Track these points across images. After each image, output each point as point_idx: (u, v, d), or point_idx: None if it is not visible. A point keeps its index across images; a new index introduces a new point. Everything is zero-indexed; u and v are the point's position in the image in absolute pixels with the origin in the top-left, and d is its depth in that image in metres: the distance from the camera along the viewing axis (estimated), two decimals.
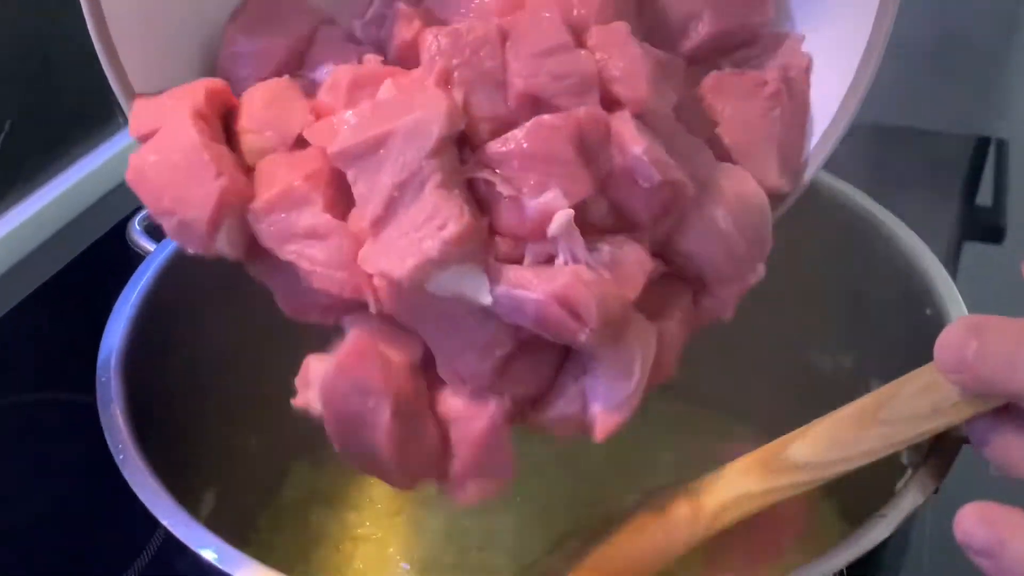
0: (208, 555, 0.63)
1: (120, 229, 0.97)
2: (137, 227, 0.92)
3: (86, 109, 1.38)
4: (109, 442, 0.72)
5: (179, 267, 0.87)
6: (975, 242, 1.29)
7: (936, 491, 0.68)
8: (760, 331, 0.94)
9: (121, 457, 0.70)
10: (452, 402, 0.58)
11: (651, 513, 0.75)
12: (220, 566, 0.62)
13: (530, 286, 0.53)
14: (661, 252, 0.60)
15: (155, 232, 0.91)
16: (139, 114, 0.61)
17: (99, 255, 1.26)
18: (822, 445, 0.70)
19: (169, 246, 0.88)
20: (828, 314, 0.95)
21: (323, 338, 0.92)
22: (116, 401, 0.75)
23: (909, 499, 0.66)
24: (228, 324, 0.92)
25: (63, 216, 1.33)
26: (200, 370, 0.90)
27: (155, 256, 0.87)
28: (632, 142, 0.55)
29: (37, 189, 1.33)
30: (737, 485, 0.73)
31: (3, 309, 1.20)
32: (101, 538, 0.99)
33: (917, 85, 1.35)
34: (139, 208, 0.95)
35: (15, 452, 1.07)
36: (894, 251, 0.89)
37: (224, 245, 0.59)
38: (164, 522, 0.66)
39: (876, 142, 1.30)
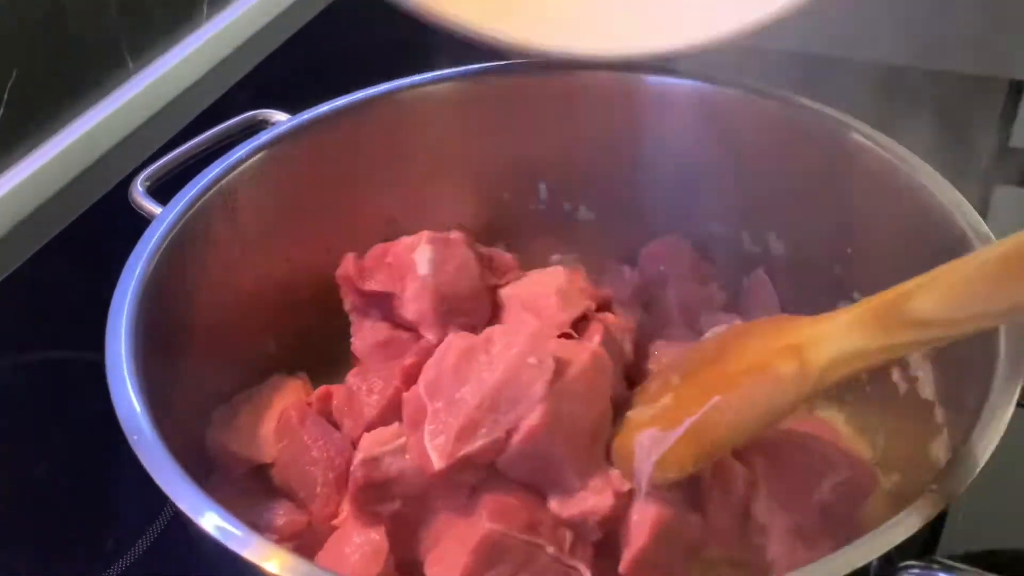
0: (212, 530, 0.63)
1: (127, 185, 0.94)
2: (139, 188, 0.88)
3: (96, 57, 1.34)
4: (119, 416, 0.71)
5: (185, 234, 0.85)
6: (1008, 186, 1.26)
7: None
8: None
9: (135, 437, 0.69)
10: None
11: (751, 372, 0.71)
12: (224, 542, 0.62)
13: None
14: None
15: (158, 193, 0.89)
16: None
17: (109, 208, 1.23)
18: (954, 298, 0.61)
19: (175, 208, 0.85)
20: (867, 263, 0.93)
21: (328, 308, 0.93)
22: (126, 375, 0.73)
23: (960, 472, 0.65)
24: (236, 292, 0.90)
25: (72, 169, 1.29)
26: (209, 336, 0.88)
27: (162, 219, 0.84)
28: None
29: (46, 140, 1.30)
30: (849, 340, 0.66)
31: (7, 269, 1.18)
32: (116, 501, 0.98)
33: (952, 27, 1.31)
34: (143, 165, 0.92)
35: (23, 412, 1.06)
36: (926, 196, 0.86)
37: None
38: (170, 494, 0.66)
39: (910, 84, 1.28)
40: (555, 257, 1.09)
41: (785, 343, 0.70)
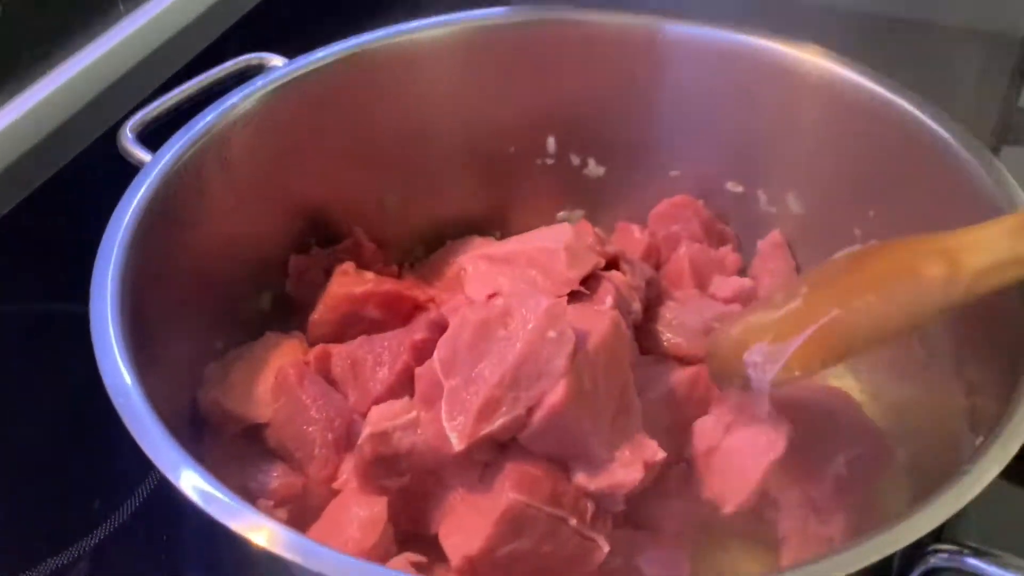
0: (199, 499, 0.60)
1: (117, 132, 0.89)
2: (129, 134, 0.84)
3: None
4: (103, 375, 0.67)
5: (176, 183, 0.80)
6: (1016, 146, 1.22)
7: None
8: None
9: (119, 400, 0.66)
10: None
11: (895, 272, 0.69)
12: (212, 512, 0.59)
13: None
14: None
15: (148, 139, 0.84)
16: None
17: (98, 156, 1.18)
18: None
19: (165, 156, 0.81)
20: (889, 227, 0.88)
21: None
22: (112, 331, 0.70)
23: (997, 453, 0.62)
24: (229, 245, 0.87)
25: (59, 115, 1.24)
26: (201, 290, 0.85)
27: (151, 168, 0.80)
28: None
29: (33, 84, 1.24)
30: (1010, 246, 0.65)
31: None
32: (103, 460, 0.94)
33: None
34: (133, 111, 0.88)
35: (7, 365, 1.01)
36: (957, 157, 0.82)
37: None
38: (155, 461, 0.63)
39: (919, 40, 1.26)
40: (561, 214, 1.05)
41: (936, 247, 0.69)
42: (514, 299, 0.72)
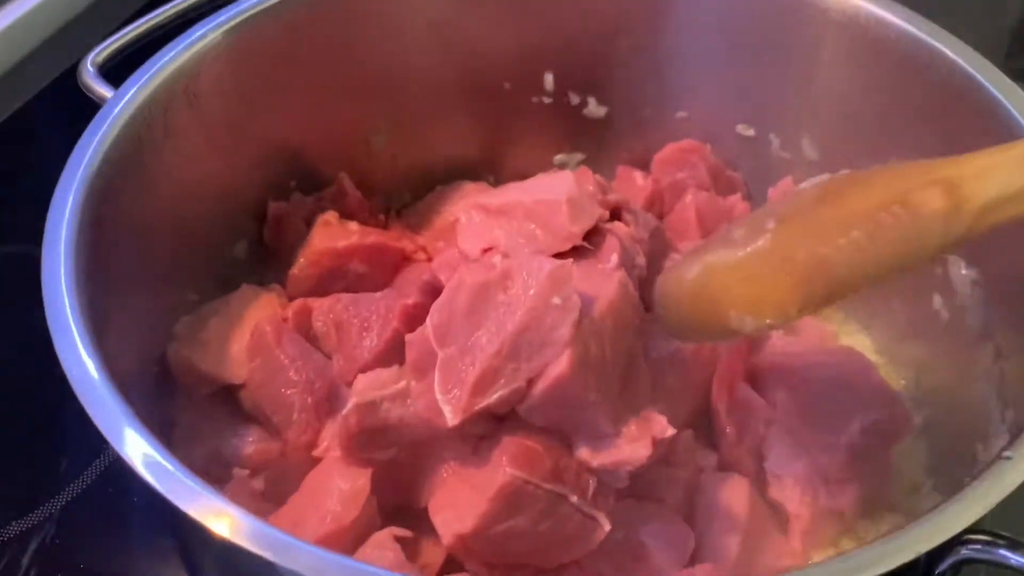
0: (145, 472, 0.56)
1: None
2: (90, 68, 0.77)
3: None
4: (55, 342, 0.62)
5: (140, 122, 0.73)
6: None
7: None
8: None
9: (73, 372, 0.60)
10: None
11: (885, 204, 0.60)
12: (169, 497, 0.54)
13: None
14: None
15: (110, 74, 0.77)
16: None
17: (60, 93, 1.10)
18: None
19: (129, 92, 0.74)
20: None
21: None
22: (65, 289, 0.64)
23: None
24: (199, 187, 0.80)
25: (18, 50, 1.15)
26: (169, 237, 0.78)
27: (113, 105, 0.73)
28: None
29: None
30: (1018, 175, 0.58)
31: None
32: (69, 419, 0.89)
33: None
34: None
35: None
36: (990, 101, 0.75)
37: None
38: (112, 441, 0.57)
39: None
40: (559, 157, 0.98)
41: (933, 177, 0.60)
42: (514, 261, 0.66)
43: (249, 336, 0.78)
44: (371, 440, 0.68)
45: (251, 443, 0.75)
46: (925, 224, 0.59)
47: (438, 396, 0.63)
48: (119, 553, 0.84)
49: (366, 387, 0.67)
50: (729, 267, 0.65)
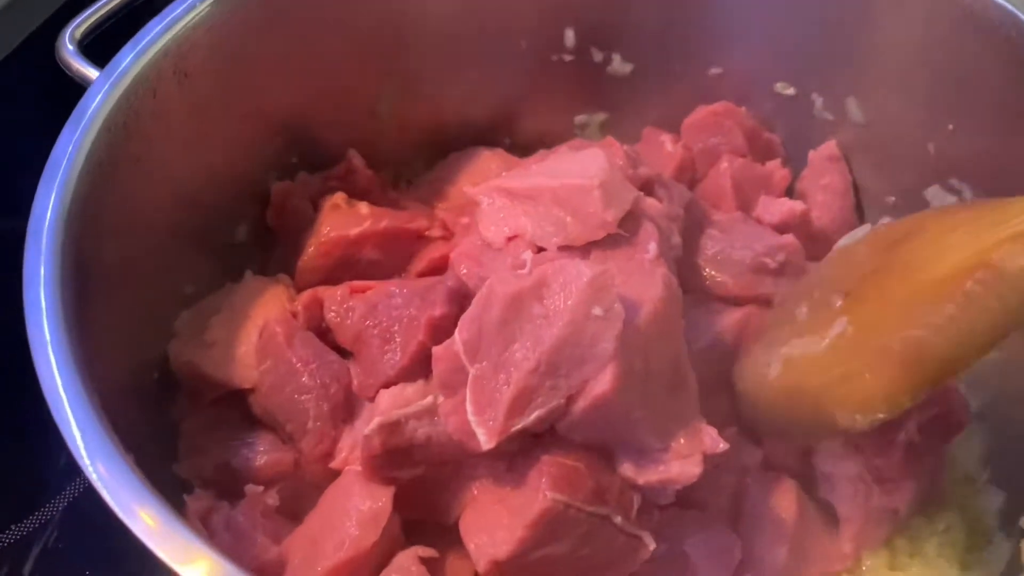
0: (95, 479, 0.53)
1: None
2: (69, 45, 0.69)
3: None
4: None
5: (127, 105, 0.66)
6: None
7: None
8: None
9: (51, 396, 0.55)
10: None
11: (970, 271, 0.56)
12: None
13: None
14: None
15: (92, 50, 0.69)
16: None
17: (28, 59, 1.01)
18: None
19: (113, 74, 0.66)
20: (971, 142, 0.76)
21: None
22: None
23: None
24: (193, 169, 0.73)
25: None
26: (164, 224, 0.72)
27: (98, 89, 0.66)
28: None
29: None
30: None
31: None
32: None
33: None
34: (71, 15, 0.72)
35: None
36: None
37: None
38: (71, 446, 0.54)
39: None
40: (580, 118, 0.91)
41: (1010, 232, 0.56)
42: (550, 267, 0.59)
43: (258, 336, 0.72)
44: (396, 460, 0.62)
45: (263, 454, 0.70)
46: (1014, 283, 0.56)
47: (471, 418, 0.57)
48: (127, 557, 0.80)
49: (390, 404, 0.61)
50: (819, 364, 0.62)
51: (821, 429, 0.62)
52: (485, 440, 0.58)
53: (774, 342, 0.64)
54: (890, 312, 0.59)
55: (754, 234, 0.79)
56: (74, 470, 0.82)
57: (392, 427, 0.61)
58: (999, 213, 0.57)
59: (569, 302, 0.57)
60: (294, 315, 0.73)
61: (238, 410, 0.72)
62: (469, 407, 0.58)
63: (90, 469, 0.51)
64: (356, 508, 0.63)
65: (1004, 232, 0.56)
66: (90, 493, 0.81)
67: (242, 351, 0.71)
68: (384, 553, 0.63)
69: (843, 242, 0.71)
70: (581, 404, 0.58)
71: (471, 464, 0.62)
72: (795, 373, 0.62)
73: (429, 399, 0.61)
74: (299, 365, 0.69)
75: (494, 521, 0.60)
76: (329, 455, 0.68)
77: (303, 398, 0.69)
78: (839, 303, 0.62)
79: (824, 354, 0.61)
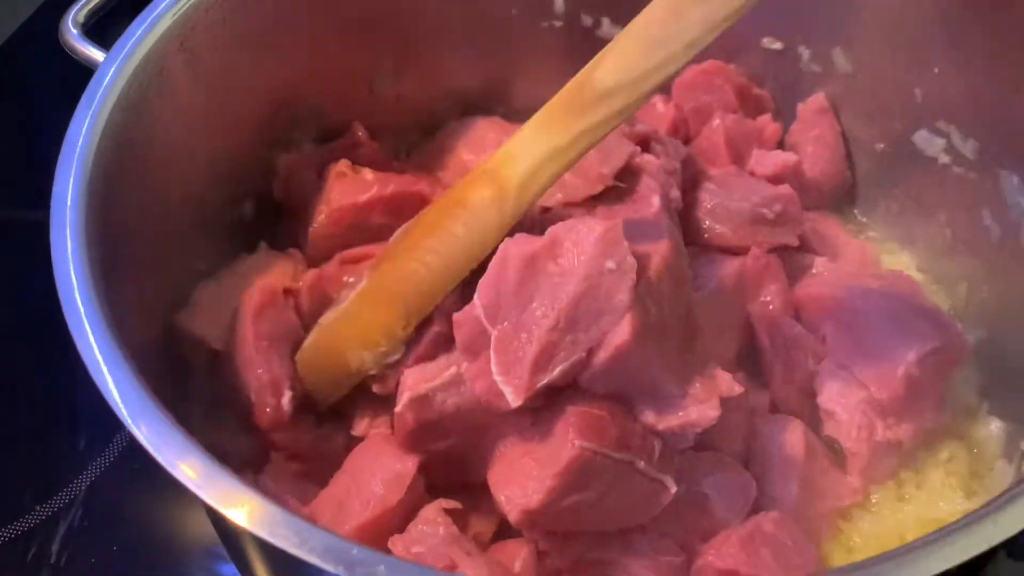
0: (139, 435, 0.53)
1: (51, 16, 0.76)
2: (72, 28, 0.70)
3: None
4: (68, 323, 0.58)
5: (136, 84, 0.67)
6: None
7: None
8: None
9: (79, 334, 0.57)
10: None
11: (446, 209, 0.67)
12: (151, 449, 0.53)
13: None
14: None
15: (97, 33, 0.70)
16: None
17: (30, 44, 1.03)
18: (633, 55, 0.61)
19: (120, 54, 0.68)
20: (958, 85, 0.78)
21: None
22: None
23: None
24: (200, 148, 0.74)
25: None
26: (175, 203, 0.73)
27: (106, 69, 0.67)
28: None
29: None
30: (538, 144, 0.64)
31: None
32: (84, 391, 0.84)
33: None
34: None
35: None
36: None
37: None
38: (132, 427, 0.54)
39: None
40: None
41: (480, 171, 0.67)
42: (560, 227, 0.61)
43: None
44: (428, 432, 0.64)
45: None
46: (480, 214, 0.65)
47: (496, 378, 0.59)
48: (153, 533, 0.81)
49: (416, 381, 0.63)
50: (338, 320, 0.70)
51: (341, 376, 0.70)
52: (513, 398, 0.59)
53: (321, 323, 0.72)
54: (393, 260, 0.69)
55: (750, 186, 0.81)
56: (96, 449, 0.85)
57: (421, 401, 0.63)
58: (483, 160, 0.67)
59: (582, 258, 0.59)
60: (291, 291, 0.74)
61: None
62: (494, 367, 0.59)
63: (134, 427, 0.52)
64: (382, 469, 0.65)
65: (476, 172, 0.67)
66: (112, 471, 0.84)
67: (226, 315, 0.72)
68: (409, 510, 0.65)
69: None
70: (601, 356, 0.60)
71: (497, 423, 0.64)
72: (322, 334, 0.71)
73: (452, 369, 0.63)
74: (251, 338, 0.70)
75: (524, 473, 0.62)
76: (279, 424, 0.70)
77: (248, 370, 0.70)
78: (365, 275, 0.71)
79: (343, 310, 0.70)
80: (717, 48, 0.87)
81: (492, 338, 0.60)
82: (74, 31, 0.70)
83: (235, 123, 0.77)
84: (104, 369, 0.55)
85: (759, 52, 0.87)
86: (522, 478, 0.61)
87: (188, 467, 0.52)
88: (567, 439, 0.60)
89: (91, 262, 0.61)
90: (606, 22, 0.89)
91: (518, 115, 0.90)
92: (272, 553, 0.50)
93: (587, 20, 0.90)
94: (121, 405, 0.54)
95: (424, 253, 0.66)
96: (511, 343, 0.60)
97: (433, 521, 0.64)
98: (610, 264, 0.59)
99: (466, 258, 0.66)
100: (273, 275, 0.75)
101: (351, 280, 0.74)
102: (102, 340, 0.57)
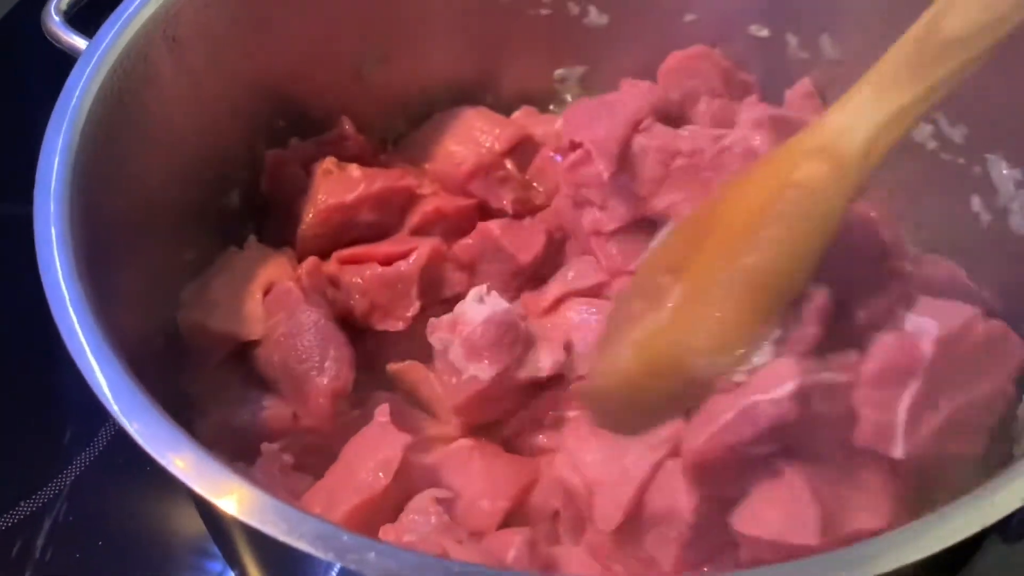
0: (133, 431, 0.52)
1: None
2: (55, 15, 0.69)
3: None
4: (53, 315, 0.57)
5: (120, 73, 0.67)
6: None
7: None
8: None
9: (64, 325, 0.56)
10: None
11: (776, 194, 0.60)
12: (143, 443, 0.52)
13: None
14: None
15: (77, 20, 0.70)
16: None
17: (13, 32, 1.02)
18: (975, 5, 0.55)
19: (103, 42, 0.67)
20: None
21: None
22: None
23: None
24: (186, 137, 0.74)
25: None
26: (159, 194, 0.72)
27: (89, 58, 0.66)
28: None
29: None
30: (880, 108, 0.58)
31: None
32: (68, 385, 0.84)
33: None
34: None
35: None
36: None
37: None
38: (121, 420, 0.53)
39: None
40: (559, 72, 0.92)
41: (804, 148, 0.61)
42: None
43: (264, 295, 0.73)
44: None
45: (260, 411, 0.71)
46: (822, 192, 0.59)
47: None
48: (139, 527, 0.81)
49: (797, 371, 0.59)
50: (668, 332, 0.61)
51: (692, 389, 0.62)
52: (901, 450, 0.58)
53: (614, 341, 0.64)
54: (718, 261, 0.61)
55: None
56: (81, 443, 0.84)
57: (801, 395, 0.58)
58: (793, 144, 0.62)
59: None
60: (298, 280, 0.74)
61: (238, 374, 0.73)
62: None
63: (122, 418, 0.52)
64: (371, 456, 0.65)
65: (798, 154, 0.61)
66: (97, 465, 0.83)
67: (248, 308, 0.72)
68: (400, 498, 0.65)
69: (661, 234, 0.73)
70: None
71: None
72: (648, 351, 0.62)
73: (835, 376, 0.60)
74: (313, 319, 0.71)
75: None
76: (342, 393, 0.70)
77: (315, 343, 0.70)
78: (667, 280, 0.62)
79: (669, 320, 0.61)
80: (704, 36, 0.88)
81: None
82: (56, 19, 0.69)
83: (220, 113, 0.77)
84: (91, 359, 0.54)
85: (746, 40, 0.87)
86: None
87: (179, 459, 0.51)
88: None
89: (76, 251, 0.60)
90: (593, 10, 0.89)
91: (505, 106, 0.90)
92: (263, 543, 0.49)
93: (574, 9, 0.89)
94: (109, 396, 0.53)
95: (768, 242, 0.60)
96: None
97: (424, 510, 0.64)
98: None
99: (815, 241, 0.60)
100: (278, 268, 0.75)
101: (357, 280, 0.75)
102: (89, 330, 0.56)
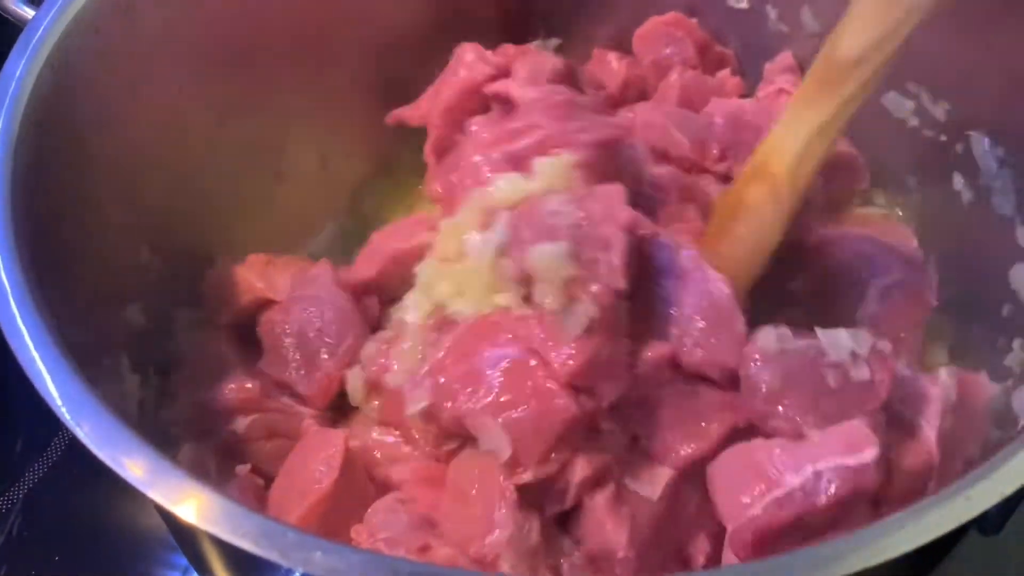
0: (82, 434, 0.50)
1: None
2: None
3: None
4: None
5: (71, 45, 0.64)
6: None
7: None
8: None
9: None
10: None
11: (732, 210, 0.67)
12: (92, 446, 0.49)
13: None
14: None
15: None
16: None
17: None
18: (872, 18, 0.61)
19: (51, 10, 0.64)
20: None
21: None
22: None
23: None
24: (144, 117, 0.70)
25: None
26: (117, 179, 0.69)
27: (35, 26, 0.63)
28: None
29: None
30: (802, 128, 0.63)
31: None
32: (17, 390, 0.81)
33: None
34: None
35: None
36: None
37: None
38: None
39: None
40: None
41: (749, 169, 0.67)
42: None
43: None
44: None
45: (228, 383, 0.70)
46: (759, 210, 0.65)
47: None
48: (96, 540, 0.78)
49: None
50: None
51: None
52: None
53: None
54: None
55: None
56: (33, 454, 0.80)
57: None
58: (752, 157, 0.67)
59: None
60: None
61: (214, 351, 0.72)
62: None
63: (75, 426, 0.49)
64: (312, 457, 0.64)
65: (747, 172, 0.67)
66: (51, 476, 0.79)
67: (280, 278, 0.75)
68: (354, 495, 0.63)
69: None
70: None
71: None
72: None
73: None
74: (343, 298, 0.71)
75: None
76: (327, 393, 0.70)
77: (335, 320, 0.71)
78: None
79: None
80: (680, 6, 0.86)
81: None
82: None
83: (174, 88, 0.73)
84: (33, 353, 0.52)
85: (724, 10, 0.85)
86: None
87: (132, 462, 0.49)
88: None
89: (20, 248, 0.57)
90: None
91: None
92: (224, 547, 0.47)
93: None
94: (55, 394, 0.50)
95: (719, 261, 0.64)
96: None
97: (392, 509, 0.62)
98: None
99: (754, 257, 0.66)
100: None
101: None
102: (36, 333, 0.53)
